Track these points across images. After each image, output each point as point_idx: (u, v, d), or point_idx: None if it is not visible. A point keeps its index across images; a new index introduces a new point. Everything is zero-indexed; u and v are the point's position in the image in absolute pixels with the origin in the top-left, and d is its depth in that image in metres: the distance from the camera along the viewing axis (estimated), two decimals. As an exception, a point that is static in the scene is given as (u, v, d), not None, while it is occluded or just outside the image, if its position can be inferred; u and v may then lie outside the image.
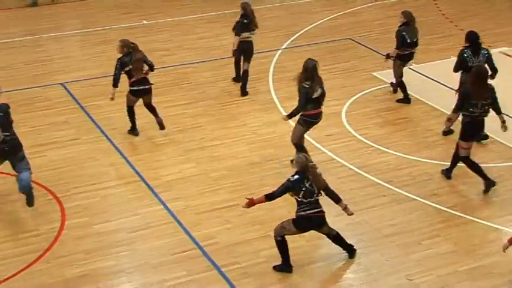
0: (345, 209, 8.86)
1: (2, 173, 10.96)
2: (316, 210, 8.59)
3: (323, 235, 8.99)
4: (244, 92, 13.75)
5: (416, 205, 10.36)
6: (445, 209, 10.26)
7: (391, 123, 12.72)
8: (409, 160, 11.53)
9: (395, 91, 13.61)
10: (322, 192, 8.63)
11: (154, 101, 12.30)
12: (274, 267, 8.91)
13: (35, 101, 13.44)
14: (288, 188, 8.53)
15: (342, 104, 13.29)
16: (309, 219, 8.61)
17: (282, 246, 8.77)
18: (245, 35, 13.56)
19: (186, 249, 9.41)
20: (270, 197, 8.59)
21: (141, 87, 11.73)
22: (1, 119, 9.49)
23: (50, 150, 11.62)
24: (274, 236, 8.76)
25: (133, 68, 11.56)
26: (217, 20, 17.46)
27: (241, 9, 13.63)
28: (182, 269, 9.00)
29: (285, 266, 8.86)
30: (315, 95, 10.65)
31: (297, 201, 8.58)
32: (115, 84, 11.63)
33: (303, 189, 8.47)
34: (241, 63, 13.84)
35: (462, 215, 10.14)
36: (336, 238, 8.99)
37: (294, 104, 13.35)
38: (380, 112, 13.07)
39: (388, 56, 13.19)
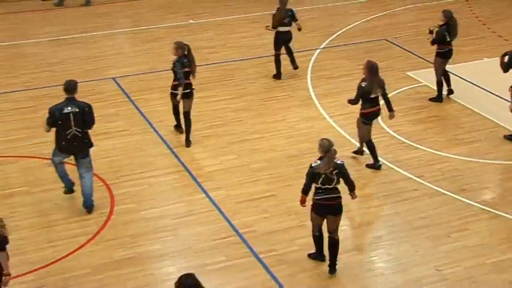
0: (352, 194, 8.65)
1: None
2: (332, 196, 8.35)
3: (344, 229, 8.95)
4: (295, 66, 14.29)
5: (446, 199, 10.25)
6: (474, 203, 10.12)
7: (424, 121, 12.58)
8: (440, 156, 11.41)
9: (450, 92, 13.29)
10: (340, 180, 8.38)
11: (200, 95, 12.35)
12: (309, 255, 8.89)
13: (87, 94, 13.54)
14: (310, 174, 8.33)
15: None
16: (324, 205, 8.39)
17: (318, 240, 8.70)
18: (282, 28, 13.79)
19: (226, 235, 9.45)
20: (303, 191, 8.47)
21: (184, 91, 11.25)
22: (77, 114, 9.43)
23: (101, 141, 11.72)
24: (312, 231, 8.68)
25: (191, 71, 11.26)
26: (259, 20, 17.42)
27: (279, 3, 13.73)
28: (222, 254, 9.05)
29: (318, 255, 8.84)
30: (372, 95, 10.60)
31: (315, 187, 8.39)
32: (181, 84, 11.19)
33: (322, 175, 8.29)
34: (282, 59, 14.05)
35: (490, 209, 10.00)
36: (333, 244, 8.59)
37: (331, 100, 13.43)
38: (413, 110, 12.93)
39: (431, 32, 12.93)
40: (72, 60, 15.33)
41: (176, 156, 11.39)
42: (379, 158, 11.05)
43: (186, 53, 11.26)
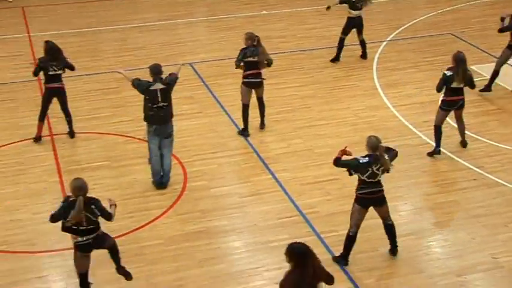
0: None
1: (134, 137, 11.34)
2: (374, 190, 8.07)
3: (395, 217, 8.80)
4: (365, 56, 14.42)
5: (505, 190, 9.96)
6: (532, 195, 9.83)
7: (485, 114, 12.24)
8: (499, 148, 11.09)
9: None
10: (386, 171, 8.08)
11: (270, 82, 12.33)
12: (334, 258, 8.50)
13: (166, 77, 13.79)
14: (351, 165, 7.98)
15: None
16: (368, 198, 8.12)
17: (351, 240, 8.32)
18: (354, 12, 13.85)
19: (290, 215, 9.44)
20: (336, 161, 8.11)
21: (254, 80, 11.24)
22: (163, 90, 9.62)
23: (177, 121, 11.74)
24: (349, 229, 8.31)
25: (259, 61, 11.08)
26: (329, 12, 17.24)
27: None
28: (285, 233, 9.04)
29: (343, 259, 8.41)
30: (454, 85, 10.35)
31: (360, 179, 8.07)
32: (236, 68, 11.27)
33: (369, 171, 7.95)
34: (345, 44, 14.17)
35: (548, 202, 9.70)
36: (389, 228, 8.42)
37: (395, 91, 13.25)
38: (475, 102, 12.57)
39: (502, 19, 12.43)
40: (153, 46, 15.55)
41: (245, 139, 11.43)
42: (446, 151, 10.83)
43: (255, 43, 11.11)
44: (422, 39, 15.73)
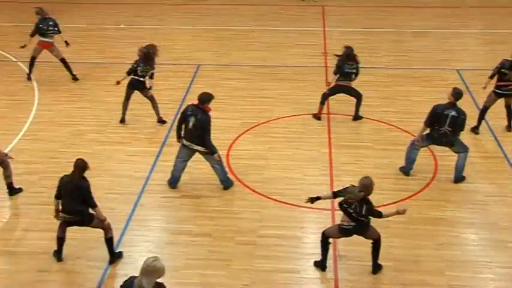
0: None
1: (397, 127, 11.12)
2: None
3: None
4: None
5: None
6: None
7: None
8: None
9: None
10: None
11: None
12: None
13: (432, 79, 13.29)
14: None
15: None
16: None
17: None
18: None
19: (532, 222, 8.57)
20: None
21: (504, 92, 10.65)
22: (453, 118, 9.07)
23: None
24: None
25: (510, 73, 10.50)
26: None
27: None
28: (524, 237, 8.25)
29: None
30: None
31: None
32: (490, 77, 10.78)
33: None
34: None
35: None
36: None
37: None
38: None
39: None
40: (425, 50, 15.05)
41: (499, 144, 10.57)
42: None
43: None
44: None
